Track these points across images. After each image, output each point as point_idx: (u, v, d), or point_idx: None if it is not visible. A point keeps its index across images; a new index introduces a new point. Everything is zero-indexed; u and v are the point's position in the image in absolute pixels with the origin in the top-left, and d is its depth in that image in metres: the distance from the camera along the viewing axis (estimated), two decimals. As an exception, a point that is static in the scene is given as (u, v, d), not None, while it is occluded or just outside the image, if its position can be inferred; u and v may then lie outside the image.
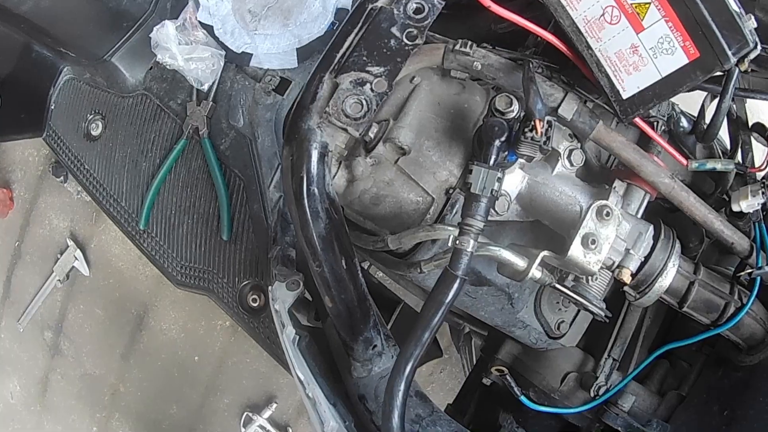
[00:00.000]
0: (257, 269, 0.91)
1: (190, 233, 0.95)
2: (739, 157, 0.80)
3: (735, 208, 0.75)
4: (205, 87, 0.95)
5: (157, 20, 0.97)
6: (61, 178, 1.66)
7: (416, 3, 0.64)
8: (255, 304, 0.91)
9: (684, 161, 0.74)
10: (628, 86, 0.64)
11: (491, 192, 0.62)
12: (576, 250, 0.65)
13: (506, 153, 0.65)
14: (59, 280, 1.66)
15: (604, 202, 0.65)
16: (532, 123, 0.62)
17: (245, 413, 1.60)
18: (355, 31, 0.63)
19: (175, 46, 0.91)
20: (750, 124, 0.80)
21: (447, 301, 0.62)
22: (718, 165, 0.75)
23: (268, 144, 0.91)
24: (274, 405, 1.56)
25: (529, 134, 0.62)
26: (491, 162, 0.63)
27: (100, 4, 0.94)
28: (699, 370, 0.81)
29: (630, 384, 0.81)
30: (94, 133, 1.02)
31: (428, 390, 1.41)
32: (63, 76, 1.06)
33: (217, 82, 0.95)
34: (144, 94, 1.00)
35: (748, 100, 0.83)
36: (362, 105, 0.62)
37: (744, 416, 0.73)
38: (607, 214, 0.65)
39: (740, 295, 0.75)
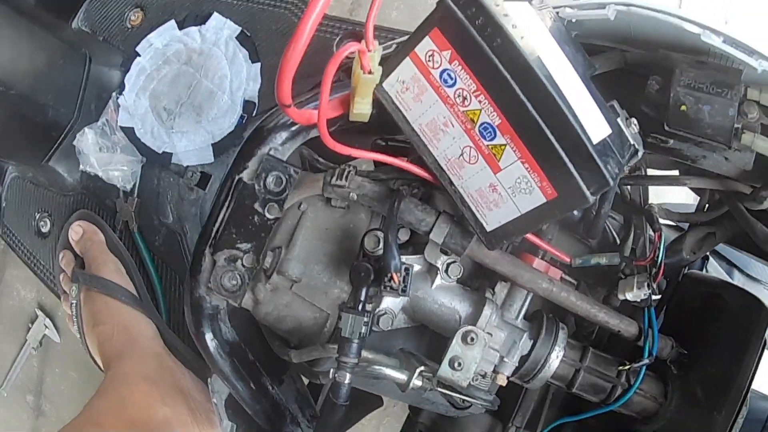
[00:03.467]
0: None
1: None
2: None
3: (621, 297, 0.78)
4: (128, 188, 1.02)
5: (84, 124, 1.03)
6: (23, 253, 1.73)
7: (274, 175, 0.69)
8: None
9: (567, 259, 0.78)
10: (491, 220, 0.67)
11: (359, 334, 0.68)
12: (445, 371, 0.71)
13: (378, 288, 0.71)
14: (33, 347, 1.74)
15: (468, 328, 0.71)
16: (390, 275, 0.67)
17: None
18: (225, 206, 0.69)
19: (94, 155, 0.98)
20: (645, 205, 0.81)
21: (333, 423, 0.72)
22: (602, 260, 0.78)
23: (196, 238, 0.98)
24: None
25: (388, 284, 0.67)
26: (359, 307, 0.69)
27: (27, 121, 1.00)
28: (603, 432, 0.87)
29: (538, 446, 0.89)
30: (43, 230, 1.10)
31: (384, 422, 1.50)
32: (9, 174, 1.13)
33: (137, 183, 1.02)
34: (83, 193, 1.07)
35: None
36: (237, 279, 0.70)
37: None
38: (472, 339, 0.70)
39: (629, 377, 0.79)
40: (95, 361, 1.02)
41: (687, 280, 0.88)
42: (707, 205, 0.84)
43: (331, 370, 0.71)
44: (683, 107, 0.66)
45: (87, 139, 0.99)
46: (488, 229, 0.68)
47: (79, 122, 1.05)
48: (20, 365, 1.77)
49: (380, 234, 0.71)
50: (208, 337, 0.73)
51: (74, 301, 0.99)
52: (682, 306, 0.86)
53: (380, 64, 0.65)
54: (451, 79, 0.63)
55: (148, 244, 1.02)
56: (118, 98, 1.01)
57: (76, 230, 1.02)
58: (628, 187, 0.83)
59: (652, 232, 0.82)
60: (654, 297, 0.78)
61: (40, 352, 1.74)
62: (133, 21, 1.04)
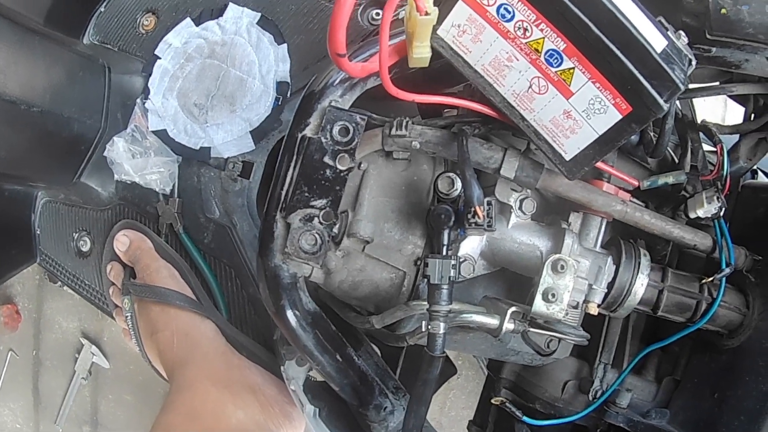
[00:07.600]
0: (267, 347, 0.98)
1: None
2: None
3: (692, 215, 0.77)
4: (167, 190, 1.00)
5: (112, 134, 1.00)
6: (59, 282, 1.68)
7: (339, 125, 0.67)
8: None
9: (635, 182, 0.77)
10: (569, 149, 0.66)
11: (449, 279, 0.66)
12: (539, 306, 0.69)
13: (458, 230, 0.69)
14: (83, 377, 1.72)
15: (557, 256, 0.69)
16: (473, 209, 0.65)
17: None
18: (292, 165, 0.67)
19: (128, 162, 0.95)
20: (698, 121, 0.81)
21: (433, 377, 0.69)
22: (670, 179, 0.78)
23: (247, 228, 0.96)
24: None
25: (472, 220, 0.66)
26: (444, 251, 0.67)
27: (53, 138, 0.97)
28: (688, 355, 0.86)
29: (627, 378, 0.87)
30: (84, 249, 1.07)
31: (450, 396, 1.48)
32: (40, 200, 1.09)
33: (176, 183, 0.99)
34: (120, 204, 1.04)
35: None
36: (316, 239, 0.67)
37: (732, 396, 0.78)
38: (562, 267, 0.69)
39: (710, 291, 0.79)
40: (158, 372, 0.99)
41: (746, 190, 0.88)
42: (753, 114, 0.84)
43: (423, 323, 0.69)
44: (723, 10, 0.66)
45: (118, 148, 0.96)
46: (567, 157, 0.66)
47: (107, 133, 1.02)
48: (72, 397, 1.73)
49: (452, 175, 0.69)
50: (289, 310, 0.70)
51: (128, 314, 0.96)
52: (746, 216, 0.86)
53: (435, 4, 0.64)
54: (509, 12, 0.62)
55: (196, 243, 0.99)
56: (144, 103, 0.98)
57: (122, 240, 0.99)
58: (678, 104, 0.83)
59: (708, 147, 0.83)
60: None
61: (91, 380, 1.72)
62: (146, 26, 1.02)
